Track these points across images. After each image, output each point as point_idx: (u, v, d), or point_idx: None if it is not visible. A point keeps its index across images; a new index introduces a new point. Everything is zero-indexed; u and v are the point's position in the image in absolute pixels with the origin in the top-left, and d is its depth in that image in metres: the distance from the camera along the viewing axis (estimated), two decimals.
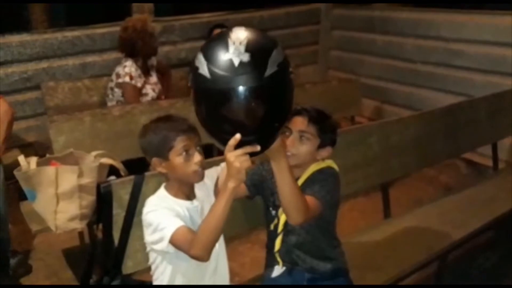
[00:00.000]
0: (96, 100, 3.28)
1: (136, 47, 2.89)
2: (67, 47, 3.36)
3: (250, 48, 1.03)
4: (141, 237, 1.31)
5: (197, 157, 1.27)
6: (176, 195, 1.30)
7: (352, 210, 2.98)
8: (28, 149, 3.06)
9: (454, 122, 2.57)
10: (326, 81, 4.31)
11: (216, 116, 1.08)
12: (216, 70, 1.03)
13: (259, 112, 1.07)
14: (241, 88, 1.03)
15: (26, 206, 2.07)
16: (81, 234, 2.36)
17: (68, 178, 1.94)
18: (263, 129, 1.11)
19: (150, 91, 3.02)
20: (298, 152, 1.49)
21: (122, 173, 2.11)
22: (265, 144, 1.14)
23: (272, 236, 1.60)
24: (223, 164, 1.36)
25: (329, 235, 1.61)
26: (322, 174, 1.53)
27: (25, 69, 3.23)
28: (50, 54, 3.31)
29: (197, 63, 1.07)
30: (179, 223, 1.20)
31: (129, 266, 1.40)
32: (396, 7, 4.25)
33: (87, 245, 2.20)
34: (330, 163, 1.59)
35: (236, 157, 1.08)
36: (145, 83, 2.98)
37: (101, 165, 2.05)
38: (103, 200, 1.35)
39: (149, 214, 1.25)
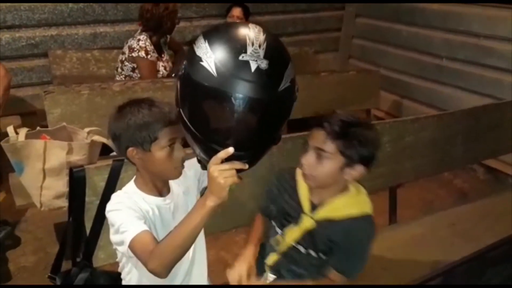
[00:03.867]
0: (105, 72, 3.20)
1: (163, 26, 2.82)
2: (78, 15, 3.24)
3: (269, 54, 0.90)
4: None
5: (180, 153, 1.14)
6: (146, 190, 1.17)
7: None
8: (29, 117, 3.00)
9: (477, 126, 2.38)
10: (344, 71, 4.12)
11: (209, 122, 0.94)
12: (225, 70, 0.88)
13: (261, 127, 0.95)
14: (250, 98, 0.89)
15: (14, 178, 2.01)
16: None
17: (57, 153, 1.86)
18: (260, 145, 0.99)
19: (162, 68, 2.94)
20: (316, 174, 1.29)
21: (116, 154, 2.01)
22: (254, 163, 1.01)
23: (268, 248, 1.46)
24: None
25: None
26: (358, 237, 1.33)
27: (33, 34, 3.13)
28: (60, 21, 3.20)
29: (200, 53, 0.90)
30: (141, 227, 1.05)
31: (100, 258, 1.30)
32: None
33: None
34: (363, 201, 1.37)
35: (221, 172, 0.94)
36: (157, 59, 2.89)
37: (93, 143, 1.95)
38: (75, 186, 1.24)
39: (112, 213, 1.11)
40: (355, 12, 4.46)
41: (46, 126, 2.18)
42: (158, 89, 2.48)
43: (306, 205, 1.37)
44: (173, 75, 3.08)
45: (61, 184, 1.87)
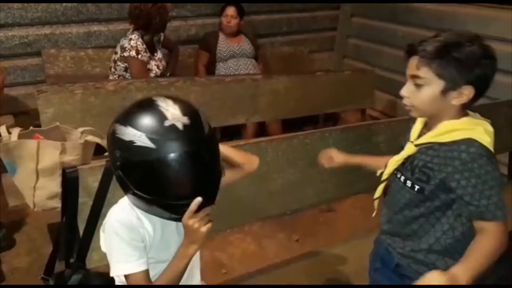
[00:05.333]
0: (99, 71, 3.18)
1: (152, 22, 2.80)
2: (72, 14, 3.22)
3: (184, 111, 1.02)
4: None
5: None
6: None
7: (353, 207, 2.85)
8: (22, 117, 2.97)
9: None
10: (339, 70, 4.13)
11: (168, 185, 1.02)
12: (160, 139, 0.97)
13: (210, 166, 1.06)
14: (191, 150, 1.00)
15: (7, 179, 1.98)
16: None
17: (50, 154, 1.84)
18: (215, 182, 1.09)
19: (155, 67, 2.92)
20: (416, 103, 1.19)
21: None
22: (214, 199, 1.10)
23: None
24: None
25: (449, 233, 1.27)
26: (462, 159, 1.15)
27: (26, 33, 3.10)
28: (53, 20, 3.17)
29: (128, 138, 0.98)
30: (135, 268, 1.07)
31: (94, 260, 1.29)
32: None
33: None
34: (476, 130, 1.18)
35: (200, 222, 1.03)
36: (150, 58, 2.88)
37: (87, 143, 1.94)
38: (68, 186, 1.23)
39: (107, 236, 1.09)
40: (350, 11, 4.46)
41: (39, 126, 2.16)
42: (152, 88, 2.46)
43: (414, 134, 1.30)
44: (167, 74, 3.07)
45: (54, 185, 1.85)
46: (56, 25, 3.20)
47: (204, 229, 1.04)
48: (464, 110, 1.23)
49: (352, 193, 2.14)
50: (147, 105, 1.02)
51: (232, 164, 1.25)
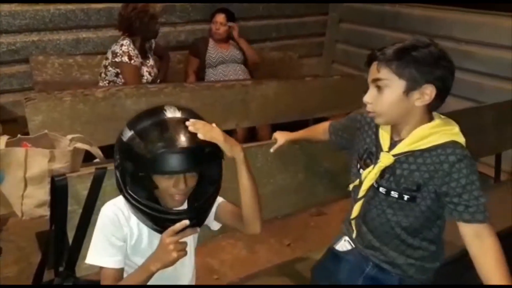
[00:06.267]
0: (88, 78, 3.16)
1: (134, 27, 2.79)
2: (60, 21, 3.20)
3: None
4: None
5: (181, 185, 1.07)
6: None
7: (344, 210, 2.84)
8: (11, 124, 2.93)
9: None
10: (327, 75, 4.15)
11: (154, 196, 1.09)
12: (155, 148, 1.00)
13: (203, 188, 1.12)
14: (188, 164, 1.04)
15: None
16: None
17: (39, 161, 1.82)
18: (206, 207, 1.13)
19: (146, 74, 2.92)
20: (379, 107, 1.18)
21: (99, 160, 1.99)
22: (202, 223, 1.15)
23: (352, 200, 1.37)
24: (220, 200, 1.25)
25: (428, 230, 1.30)
26: (450, 161, 1.15)
27: (14, 40, 3.08)
28: (41, 27, 3.15)
29: (127, 141, 1.03)
30: (105, 263, 1.10)
31: (83, 268, 1.28)
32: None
33: None
34: (450, 131, 1.20)
35: (176, 245, 1.04)
36: (142, 64, 2.87)
37: (76, 150, 1.92)
38: (57, 194, 1.22)
39: (95, 228, 1.12)
40: (338, 17, 4.50)
41: (27, 134, 2.14)
42: (142, 95, 2.45)
43: (386, 144, 1.27)
44: (158, 81, 3.06)
45: (43, 193, 1.83)
46: (44, 32, 3.18)
47: (175, 254, 1.03)
48: (430, 113, 1.23)
49: (342, 196, 2.15)
50: (154, 113, 1.06)
51: (239, 218, 1.22)
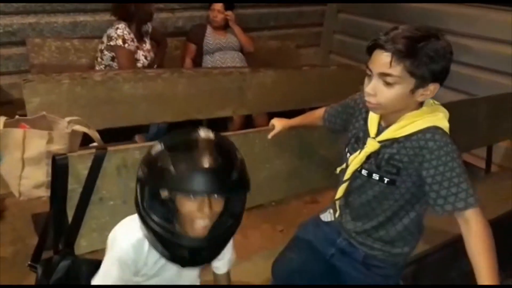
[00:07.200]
0: (84, 62, 3.15)
1: (129, 11, 2.78)
2: (57, 4, 3.18)
3: (219, 151, 1.02)
4: (98, 216, 1.21)
5: (206, 208, 1.00)
6: None
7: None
8: (6, 106, 2.93)
9: (452, 121, 2.43)
10: (325, 65, 4.16)
11: (171, 221, 1.05)
12: (179, 170, 0.97)
13: (223, 219, 1.09)
14: (206, 191, 0.99)
15: None
16: None
17: (36, 143, 1.82)
18: (223, 241, 1.13)
19: (142, 58, 2.92)
20: (383, 101, 1.16)
21: (97, 143, 2.00)
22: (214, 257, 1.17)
23: (339, 181, 1.39)
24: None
25: (405, 214, 1.32)
26: (429, 148, 1.15)
27: (10, 22, 3.06)
28: (39, 9, 3.13)
29: (155, 155, 1.00)
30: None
31: (82, 246, 1.30)
32: None
33: None
34: (435, 117, 1.20)
35: None
36: (137, 48, 2.87)
37: (74, 132, 1.93)
38: (58, 173, 1.24)
39: (112, 244, 1.08)
40: (337, 7, 4.50)
41: (25, 115, 2.14)
42: (139, 79, 2.46)
43: (373, 130, 1.28)
44: (154, 66, 3.07)
45: (40, 174, 1.84)
46: (41, 14, 3.16)
47: None
48: (422, 102, 1.24)
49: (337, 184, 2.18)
50: (188, 132, 1.03)
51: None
